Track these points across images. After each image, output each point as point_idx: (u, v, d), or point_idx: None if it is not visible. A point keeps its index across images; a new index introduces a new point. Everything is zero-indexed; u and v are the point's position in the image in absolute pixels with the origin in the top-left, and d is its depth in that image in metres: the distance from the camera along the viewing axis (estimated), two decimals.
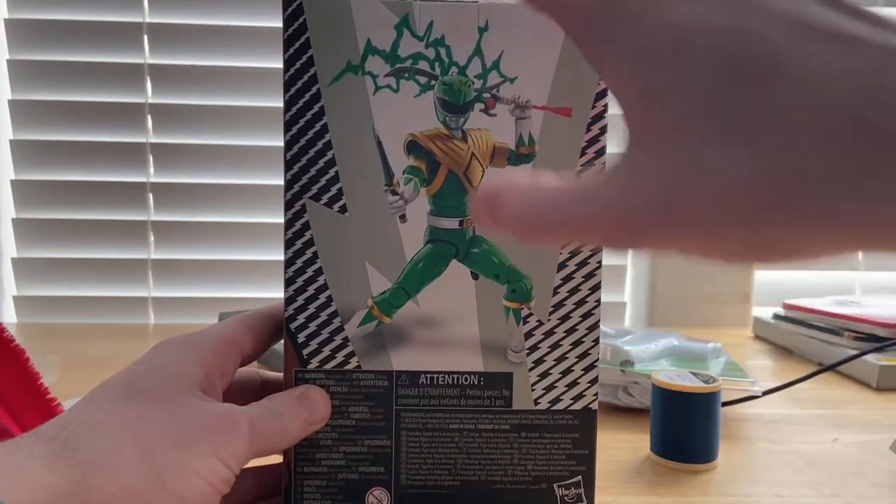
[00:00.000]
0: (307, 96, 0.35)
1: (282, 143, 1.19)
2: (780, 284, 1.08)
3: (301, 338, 0.36)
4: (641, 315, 1.08)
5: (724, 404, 0.57)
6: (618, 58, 0.21)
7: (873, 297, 0.94)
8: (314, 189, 0.36)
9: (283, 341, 0.38)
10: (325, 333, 0.36)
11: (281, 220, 1.20)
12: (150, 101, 1.02)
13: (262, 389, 0.39)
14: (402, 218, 0.36)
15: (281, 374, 0.40)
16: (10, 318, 1.02)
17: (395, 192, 0.36)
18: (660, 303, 1.05)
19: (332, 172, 0.36)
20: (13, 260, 1.01)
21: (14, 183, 1.00)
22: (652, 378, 0.54)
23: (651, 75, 0.20)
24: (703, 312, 1.04)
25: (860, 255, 1.10)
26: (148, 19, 1.01)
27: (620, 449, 0.56)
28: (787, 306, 0.92)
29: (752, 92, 0.19)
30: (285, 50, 0.35)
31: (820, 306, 0.88)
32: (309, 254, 0.36)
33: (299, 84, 0.35)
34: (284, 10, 0.35)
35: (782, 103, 0.18)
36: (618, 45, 0.21)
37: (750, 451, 0.57)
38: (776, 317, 0.93)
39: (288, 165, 0.36)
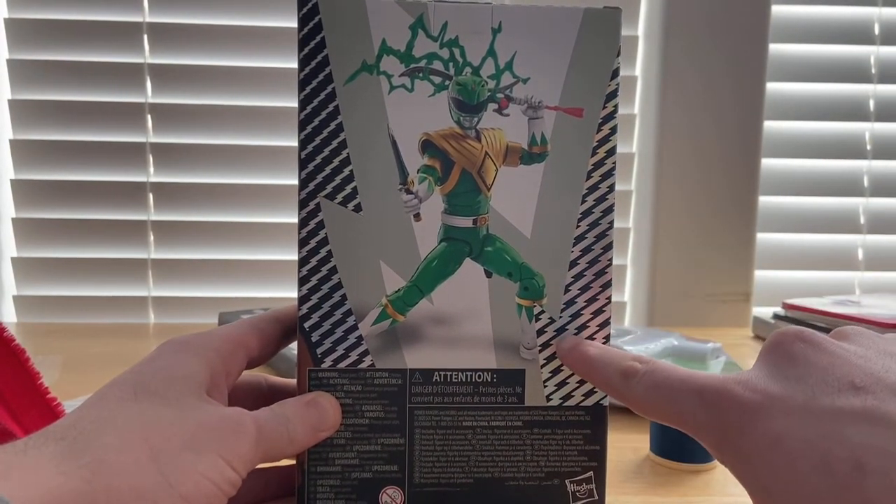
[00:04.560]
0: (322, 96, 0.36)
1: (283, 143, 1.18)
2: (780, 284, 1.08)
3: (315, 336, 0.36)
4: (641, 315, 1.08)
5: None
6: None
7: (873, 297, 0.94)
8: (328, 188, 0.36)
9: (293, 343, 0.38)
10: (338, 332, 0.36)
11: (282, 219, 1.20)
12: (150, 100, 1.02)
13: (268, 394, 0.39)
14: (417, 216, 0.36)
15: (287, 379, 0.40)
16: (10, 317, 1.02)
17: (409, 191, 0.36)
18: (660, 303, 1.06)
19: (346, 171, 0.36)
20: (13, 259, 1.01)
21: (14, 183, 1.00)
22: None
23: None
24: (703, 312, 1.05)
25: (860, 254, 1.10)
26: (148, 19, 1.01)
27: (620, 449, 0.56)
28: (786, 306, 0.92)
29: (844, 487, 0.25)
30: (300, 49, 0.36)
31: (820, 306, 0.88)
32: (323, 252, 0.36)
33: (314, 83, 0.36)
34: (299, 10, 0.35)
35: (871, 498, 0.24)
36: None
37: None
38: (776, 317, 0.93)
39: (302, 164, 0.36)
